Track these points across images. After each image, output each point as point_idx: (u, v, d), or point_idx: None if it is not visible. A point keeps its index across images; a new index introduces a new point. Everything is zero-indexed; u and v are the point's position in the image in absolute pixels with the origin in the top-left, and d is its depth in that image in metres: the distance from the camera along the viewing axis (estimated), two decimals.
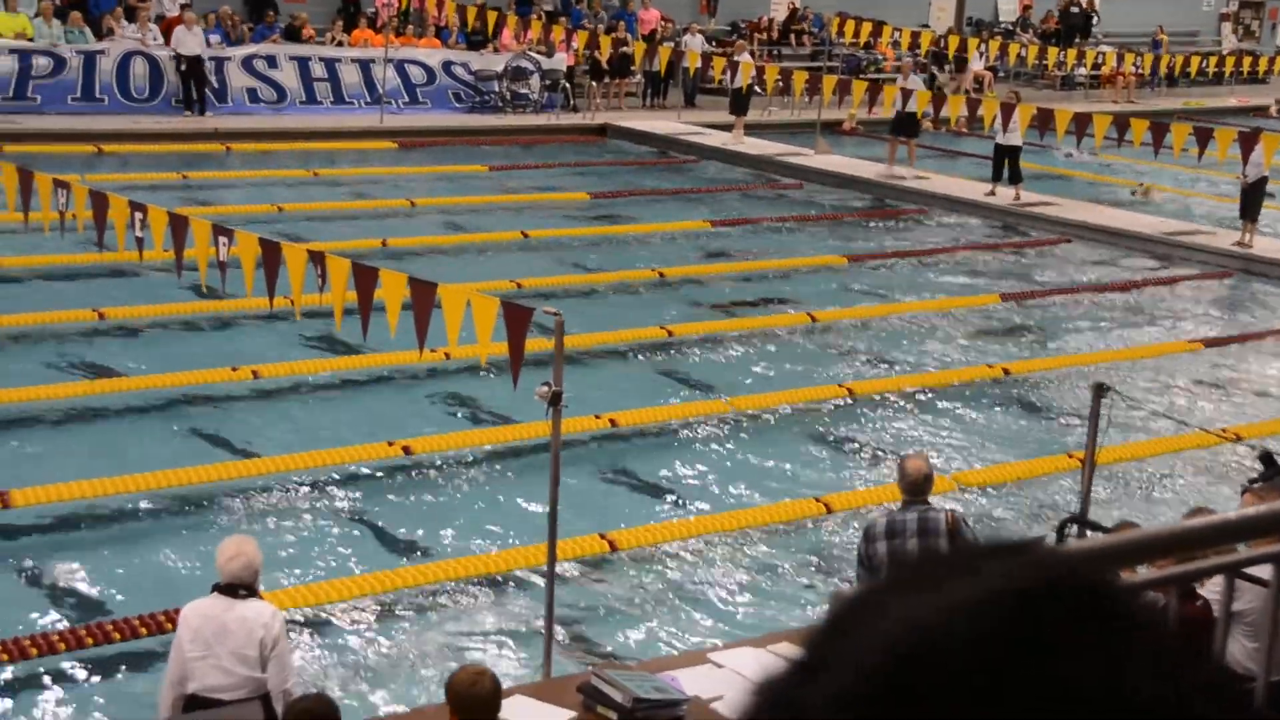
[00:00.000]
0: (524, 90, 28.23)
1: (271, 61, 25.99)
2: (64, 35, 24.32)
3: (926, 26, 35.38)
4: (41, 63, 23.82)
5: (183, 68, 24.51)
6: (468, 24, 27.78)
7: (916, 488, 7.49)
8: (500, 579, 9.55)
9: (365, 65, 26.79)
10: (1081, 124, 22.64)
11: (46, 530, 9.89)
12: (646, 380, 14.02)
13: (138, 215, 10.91)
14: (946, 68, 34.21)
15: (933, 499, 7.87)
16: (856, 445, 12.79)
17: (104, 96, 24.38)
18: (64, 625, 8.54)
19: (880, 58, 34.67)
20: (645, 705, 6.06)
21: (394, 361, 13.23)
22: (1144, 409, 13.02)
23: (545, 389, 7.12)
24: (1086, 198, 24.33)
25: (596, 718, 6.13)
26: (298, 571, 9.42)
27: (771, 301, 17.26)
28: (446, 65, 27.75)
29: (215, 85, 25.27)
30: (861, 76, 29.97)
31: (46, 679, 8.01)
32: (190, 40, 24.31)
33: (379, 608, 9.10)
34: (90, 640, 8.22)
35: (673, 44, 29.59)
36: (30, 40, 23.92)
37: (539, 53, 28.45)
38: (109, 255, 13.15)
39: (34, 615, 8.71)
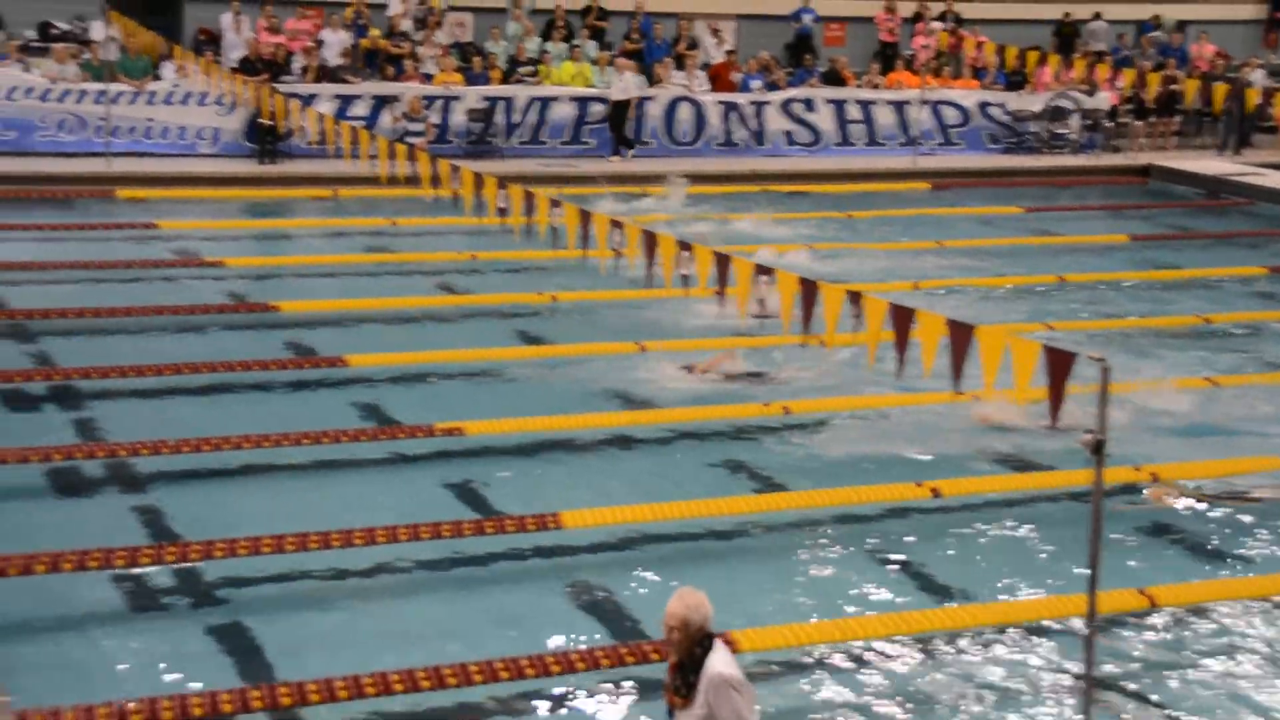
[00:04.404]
0: (1063, 130, 27.52)
1: (809, 105, 26.57)
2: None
3: None
4: (596, 109, 25.33)
5: (611, 112, 25.20)
6: (1006, 64, 27.37)
7: None
8: (1031, 628, 9.28)
9: (900, 107, 26.91)
10: None
11: (592, 551, 10.42)
12: (1188, 431, 13.25)
13: (684, 254, 11.39)
14: None
15: None
16: None
17: (651, 140, 25.67)
18: (604, 642, 8.94)
19: None
20: None
21: (925, 401, 13.13)
22: None
23: (1089, 437, 6.88)
24: None
25: None
26: (823, 606, 9.50)
27: None
28: (983, 106, 27.46)
29: (754, 128, 26.12)
30: None
31: (581, 693, 8.39)
32: (619, 85, 25.07)
33: (907, 649, 9.02)
34: (630, 659, 8.56)
35: (1230, 81, 28.02)
36: (590, 87, 25.48)
37: (1081, 91, 27.67)
38: (655, 291, 13.73)
39: (573, 632, 9.17)
